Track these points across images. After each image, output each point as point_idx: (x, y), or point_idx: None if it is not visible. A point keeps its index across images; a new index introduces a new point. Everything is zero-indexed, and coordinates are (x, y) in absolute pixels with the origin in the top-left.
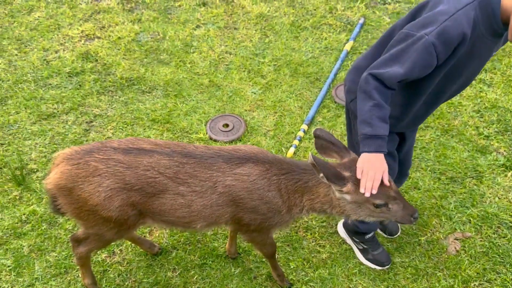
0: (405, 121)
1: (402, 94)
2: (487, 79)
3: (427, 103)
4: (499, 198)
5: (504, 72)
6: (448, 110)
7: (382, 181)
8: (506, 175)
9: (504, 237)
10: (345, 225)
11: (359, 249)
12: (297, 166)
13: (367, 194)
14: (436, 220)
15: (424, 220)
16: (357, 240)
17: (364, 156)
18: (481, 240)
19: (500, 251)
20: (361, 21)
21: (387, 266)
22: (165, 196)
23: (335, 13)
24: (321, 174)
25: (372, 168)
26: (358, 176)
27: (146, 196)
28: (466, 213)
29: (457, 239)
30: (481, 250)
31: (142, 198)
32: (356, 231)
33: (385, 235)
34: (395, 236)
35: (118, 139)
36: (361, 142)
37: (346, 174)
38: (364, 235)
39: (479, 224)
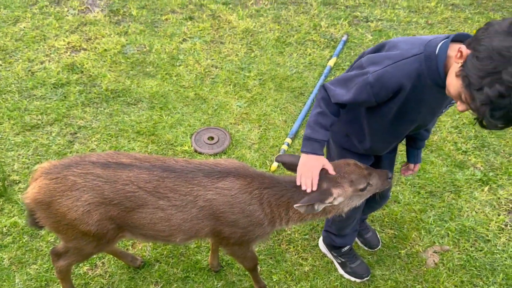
0: (368, 148)
1: (361, 129)
2: None
3: (384, 140)
4: (476, 212)
5: None
6: None
7: (359, 166)
8: (483, 190)
9: (481, 250)
10: (324, 240)
11: (338, 263)
12: (278, 182)
13: (308, 190)
14: (415, 233)
15: (404, 234)
16: (335, 254)
17: (302, 157)
18: (459, 253)
19: (477, 264)
20: (344, 38)
21: (366, 278)
22: (144, 210)
23: (319, 30)
24: (316, 207)
25: (309, 168)
26: (298, 179)
27: (125, 210)
28: (444, 226)
29: (435, 252)
30: (458, 263)
31: (120, 213)
32: (333, 245)
33: (366, 248)
34: (375, 249)
35: (97, 153)
36: (302, 142)
37: (325, 185)
38: (340, 249)
39: (457, 237)
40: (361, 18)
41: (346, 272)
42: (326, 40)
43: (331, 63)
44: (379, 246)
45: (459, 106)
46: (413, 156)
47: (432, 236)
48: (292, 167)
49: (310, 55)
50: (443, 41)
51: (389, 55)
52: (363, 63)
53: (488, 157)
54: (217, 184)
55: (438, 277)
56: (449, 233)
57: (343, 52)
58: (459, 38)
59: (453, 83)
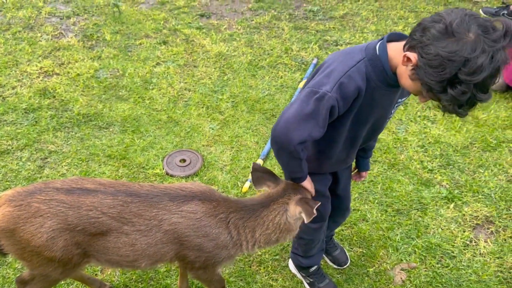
0: (328, 164)
1: (320, 144)
2: (431, 116)
3: (345, 148)
4: (442, 229)
5: None
6: (395, 145)
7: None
8: (448, 207)
9: (447, 267)
10: (292, 261)
11: (307, 283)
12: (245, 205)
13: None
14: (383, 251)
15: (372, 252)
16: (304, 275)
17: (305, 183)
18: (425, 270)
19: (443, 280)
20: (315, 61)
21: (344, 266)
22: (108, 235)
23: (290, 54)
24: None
25: (310, 181)
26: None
27: (89, 235)
28: (411, 244)
29: (403, 270)
30: (425, 280)
31: (85, 238)
32: (301, 266)
33: (335, 266)
34: (344, 267)
35: (62, 179)
36: (293, 180)
37: (298, 196)
38: (308, 269)
39: (424, 254)
40: (331, 42)
41: (329, 260)
42: (297, 63)
43: (301, 85)
44: (348, 264)
45: (422, 99)
46: (364, 165)
47: (400, 254)
48: (261, 176)
49: (281, 77)
50: (379, 43)
51: (334, 70)
52: (311, 90)
53: (453, 175)
54: (182, 208)
55: None
56: (416, 250)
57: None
58: (392, 38)
59: (410, 85)
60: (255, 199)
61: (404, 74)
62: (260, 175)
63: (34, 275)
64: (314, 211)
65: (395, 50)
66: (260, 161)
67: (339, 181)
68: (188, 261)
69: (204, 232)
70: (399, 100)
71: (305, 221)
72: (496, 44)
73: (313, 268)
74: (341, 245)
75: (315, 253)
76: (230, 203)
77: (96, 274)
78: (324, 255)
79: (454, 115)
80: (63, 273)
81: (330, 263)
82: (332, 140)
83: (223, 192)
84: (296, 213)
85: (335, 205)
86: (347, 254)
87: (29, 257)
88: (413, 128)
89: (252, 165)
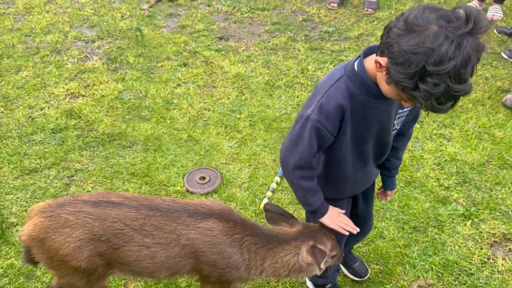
0: (347, 186)
1: (331, 167)
2: (447, 134)
3: (359, 167)
4: (459, 247)
5: (462, 127)
6: (411, 163)
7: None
8: (465, 224)
9: (464, 284)
10: (308, 278)
11: None
12: (261, 232)
13: (355, 232)
14: (400, 268)
15: (389, 269)
16: None
17: (323, 219)
18: (442, 287)
19: None
20: None
21: (364, 277)
22: (131, 247)
23: (306, 73)
24: (321, 266)
25: (335, 219)
26: (341, 230)
27: (112, 246)
28: (428, 261)
29: (420, 287)
30: None
31: (108, 249)
32: (317, 284)
33: (355, 278)
34: (365, 278)
35: (90, 193)
36: (311, 214)
37: (310, 242)
38: (324, 287)
39: (441, 271)
40: (346, 61)
41: (349, 272)
42: (313, 82)
43: None
44: (368, 275)
45: (405, 104)
46: (389, 183)
47: (417, 271)
48: (275, 217)
49: (298, 97)
50: (357, 60)
51: (316, 93)
52: (300, 114)
53: (470, 192)
54: (200, 224)
55: None
56: (433, 267)
57: None
58: (369, 52)
59: (389, 90)
60: (272, 231)
61: (381, 80)
62: (274, 215)
63: (62, 284)
64: (322, 265)
65: (371, 62)
66: (277, 179)
67: (357, 202)
68: (204, 274)
69: (218, 249)
70: (400, 111)
71: (318, 273)
72: (458, 30)
73: (329, 286)
74: (361, 258)
75: (330, 275)
76: (247, 226)
77: None
78: (343, 268)
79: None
80: (88, 283)
81: (351, 276)
82: (340, 160)
83: (241, 209)
84: (308, 260)
85: (355, 225)
86: (366, 265)
87: (57, 265)
88: (429, 146)
89: (263, 206)
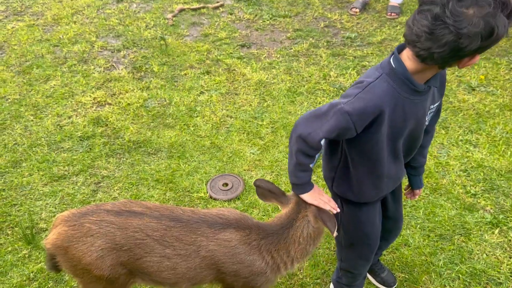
0: (382, 183)
1: (367, 165)
2: (473, 140)
3: (391, 163)
4: (486, 255)
5: (489, 133)
6: (436, 170)
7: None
8: (493, 232)
9: None
10: (333, 283)
11: None
12: (272, 230)
13: (334, 212)
14: (426, 276)
15: (415, 277)
16: None
17: (302, 196)
18: None
19: None
20: None
21: (393, 286)
22: (151, 258)
23: (328, 80)
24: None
25: (316, 198)
26: (323, 206)
27: (134, 256)
28: (455, 269)
29: None
30: None
31: (130, 259)
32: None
33: (384, 287)
34: (393, 287)
35: (112, 202)
36: (293, 187)
37: (312, 207)
38: None
39: (468, 280)
40: (369, 67)
41: (378, 281)
42: (335, 89)
43: None
44: (396, 284)
45: (462, 64)
46: (416, 182)
47: (443, 280)
48: (265, 193)
49: (320, 103)
50: (392, 56)
51: (356, 87)
52: (334, 101)
53: (498, 200)
54: (218, 236)
55: None
56: (460, 276)
57: None
58: (402, 48)
59: (427, 70)
60: (281, 220)
61: (417, 68)
62: (265, 192)
63: None
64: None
65: (407, 54)
66: None
67: (387, 204)
68: (227, 284)
69: (239, 259)
70: (431, 107)
71: (333, 235)
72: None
73: None
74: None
75: (359, 283)
76: (260, 229)
77: None
78: (371, 277)
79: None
80: None
81: (379, 285)
82: (375, 159)
83: (264, 215)
84: (318, 223)
85: (387, 227)
86: (393, 274)
87: (80, 274)
88: (455, 152)
89: (254, 182)
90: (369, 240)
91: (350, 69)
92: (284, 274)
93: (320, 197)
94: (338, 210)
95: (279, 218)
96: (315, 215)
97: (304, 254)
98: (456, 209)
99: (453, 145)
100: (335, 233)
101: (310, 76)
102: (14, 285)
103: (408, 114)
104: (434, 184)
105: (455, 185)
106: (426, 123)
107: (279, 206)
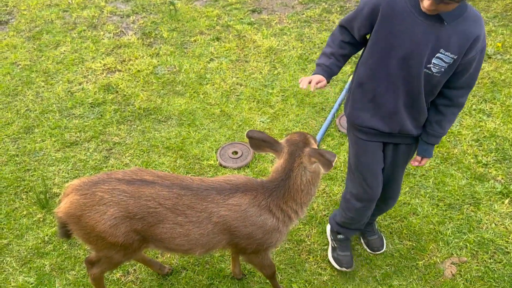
0: (375, 113)
1: (361, 74)
2: (487, 109)
3: (387, 91)
4: (495, 225)
5: (504, 102)
6: (448, 139)
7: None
8: (503, 202)
9: (499, 262)
10: (329, 221)
11: (331, 246)
12: (275, 181)
13: (301, 85)
14: (433, 244)
15: (422, 245)
16: (332, 238)
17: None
18: (477, 265)
19: (496, 275)
20: None
21: (345, 269)
22: (164, 225)
23: None
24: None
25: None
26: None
27: (147, 224)
28: (463, 238)
29: (453, 264)
30: (476, 275)
31: (143, 226)
32: (332, 229)
33: (368, 250)
34: (376, 252)
35: (123, 171)
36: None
37: (307, 149)
38: (336, 234)
39: (475, 249)
40: None
41: (332, 256)
42: None
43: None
44: (382, 251)
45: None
46: (422, 149)
47: (450, 248)
48: (258, 143)
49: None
50: None
51: (483, 35)
52: (481, 52)
53: (509, 170)
54: (228, 201)
55: None
56: (468, 245)
57: None
58: None
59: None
60: (277, 176)
61: None
62: (258, 142)
63: (100, 257)
64: (331, 161)
65: None
66: None
67: (384, 157)
68: (240, 248)
69: (251, 222)
70: (442, 51)
71: (324, 172)
72: None
73: (340, 236)
74: (381, 234)
75: (350, 228)
76: (265, 188)
77: (156, 257)
78: (361, 238)
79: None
80: (125, 256)
81: (365, 247)
82: (371, 74)
83: None
84: (313, 166)
85: (378, 185)
86: (384, 241)
87: (94, 241)
88: (468, 122)
89: (246, 133)
90: (365, 173)
91: None
92: (296, 222)
93: (313, 78)
94: (312, 89)
95: (277, 171)
96: (310, 158)
97: (309, 197)
98: (467, 178)
99: (466, 114)
100: (327, 170)
101: (322, 43)
102: (30, 247)
103: (404, 28)
104: (445, 154)
105: (466, 154)
106: (433, 69)
107: (274, 155)
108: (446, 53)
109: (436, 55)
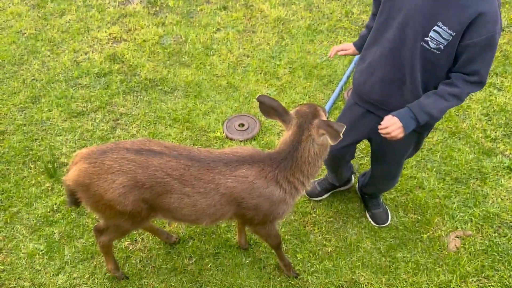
0: (369, 77)
1: (366, 46)
2: (498, 83)
3: (381, 56)
4: (501, 199)
5: None
6: (457, 113)
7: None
8: (510, 177)
9: (504, 236)
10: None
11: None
12: (283, 153)
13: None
14: (438, 218)
15: (427, 218)
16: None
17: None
18: (481, 239)
19: (500, 249)
20: None
21: (381, 225)
22: (172, 195)
23: (350, 17)
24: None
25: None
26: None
27: (155, 194)
28: (468, 212)
29: (457, 237)
30: (480, 248)
31: (152, 196)
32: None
33: (372, 223)
34: (381, 225)
35: (131, 140)
36: None
37: (316, 121)
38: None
39: (480, 223)
40: None
41: (369, 215)
42: (357, 27)
43: None
44: (386, 224)
45: None
46: (398, 111)
47: (455, 222)
48: (268, 109)
49: (340, 42)
50: None
51: (492, 13)
52: (489, 39)
53: None
54: (235, 173)
55: (459, 261)
56: (473, 219)
57: None
58: None
59: None
60: (285, 148)
61: None
62: (268, 108)
63: (108, 225)
64: (340, 133)
65: None
66: None
67: (374, 133)
68: (247, 218)
69: (258, 193)
70: (440, 24)
71: (332, 143)
72: None
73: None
74: (386, 207)
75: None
76: (273, 158)
77: (164, 226)
78: (366, 211)
79: None
80: (133, 225)
81: (369, 219)
82: (372, 32)
83: None
84: (321, 138)
85: (373, 157)
86: (389, 214)
87: (102, 209)
88: (478, 96)
89: (257, 97)
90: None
91: None
92: (302, 193)
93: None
94: (340, 53)
95: (285, 143)
96: (318, 130)
97: (316, 170)
98: (474, 153)
99: None
100: (334, 142)
101: (331, 13)
102: (39, 215)
103: (418, 7)
104: (454, 128)
105: (475, 129)
106: (431, 43)
107: (282, 125)
108: (444, 27)
109: (434, 28)
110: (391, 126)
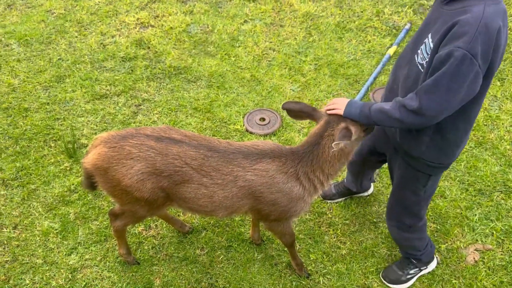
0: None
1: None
2: None
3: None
4: None
5: None
6: (485, 123)
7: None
8: None
9: None
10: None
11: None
12: (304, 152)
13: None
14: (458, 229)
15: (447, 229)
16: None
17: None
18: (501, 254)
19: None
20: (407, 26)
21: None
22: (190, 185)
23: (381, 17)
24: (340, 144)
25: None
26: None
27: (173, 183)
28: (490, 225)
29: (477, 250)
30: (500, 263)
31: (169, 184)
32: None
33: (354, 191)
34: (365, 194)
35: (152, 127)
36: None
37: (342, 124)
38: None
39: (502, 237)
40: (427, 7)
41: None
42: (388, 27)
43: (390, 51)
44: (369, 192)
45: None
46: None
47: (476, 234)
48: (297, 114)
49: (369, 42)
50: None
51: (466, 23)
52: (445, 54)
53: None
54: (255, 166)
55: (477, 275)
56: (494, 232)
57: (404, 41)
58: None
59: None
60: (308, 140)
61: None
62: (297, 113)
63: (124, 210)
64: (354, 135)
65: None
66: None
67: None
68: (263, 214)
69: (277, 188)
70: (429, 36)
71: (334, 141)
72: None
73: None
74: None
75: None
76: (294, 155)
77: (178, 215)
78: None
79: None
80: (149, 212)
81: (349, 186)
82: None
83: None
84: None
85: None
86: (371, 184)
87: (119, 194)
88: (508, 106)
89: (282, 106)
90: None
91: (407, 7)
92: (320, 193)
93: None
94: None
95: (310, 135)
96: (336, 130)
97: (335, 171)
98: (500, 165)
99: (507, 98)
100: (335, 140)
101: (362, 12)
102: (56, 194)
103: (427, 18)
104: (480, 138)
105: (502, 140)
106: (418, 58)
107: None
108: (430, 39)
109: (424, 40)
110: (338, 103)
